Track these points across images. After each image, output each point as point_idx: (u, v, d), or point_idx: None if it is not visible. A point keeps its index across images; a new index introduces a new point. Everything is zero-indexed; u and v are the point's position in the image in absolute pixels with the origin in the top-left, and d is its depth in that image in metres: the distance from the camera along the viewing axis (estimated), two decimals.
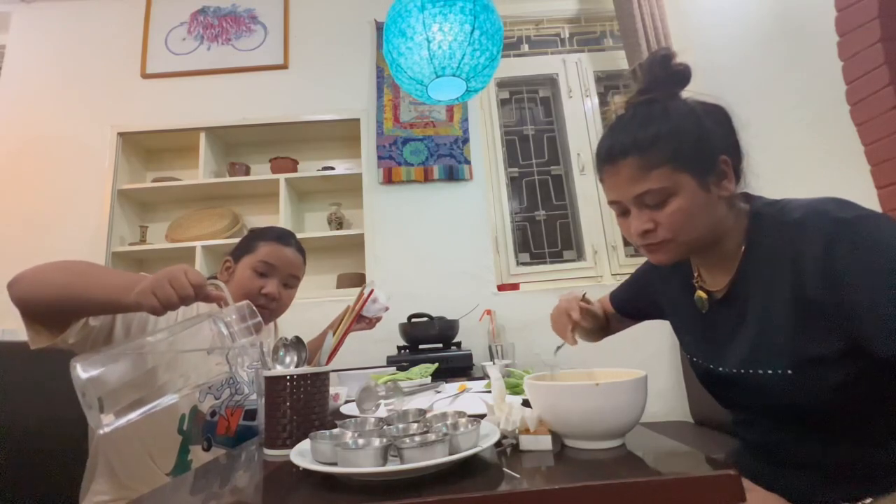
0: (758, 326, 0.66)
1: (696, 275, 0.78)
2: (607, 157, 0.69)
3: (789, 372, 0.62)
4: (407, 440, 0.49)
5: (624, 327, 1.05)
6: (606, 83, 2.65)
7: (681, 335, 0.85)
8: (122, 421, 0.61)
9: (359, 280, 2.24)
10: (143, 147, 2.47)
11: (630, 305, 0.99)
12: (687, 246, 0.68)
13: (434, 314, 1.87)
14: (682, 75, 0.69)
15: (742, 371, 0.68)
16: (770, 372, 0.64)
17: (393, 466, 0.45)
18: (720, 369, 0.72)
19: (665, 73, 0.69)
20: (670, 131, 0.64)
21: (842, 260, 0.57)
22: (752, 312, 0.67)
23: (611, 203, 0.71)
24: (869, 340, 0.56)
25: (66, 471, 0.98)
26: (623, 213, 0.70)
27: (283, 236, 1.12)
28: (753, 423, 0.75)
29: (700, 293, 0.75)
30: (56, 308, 0.76)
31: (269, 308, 1.06)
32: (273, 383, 0.65)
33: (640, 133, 0.65)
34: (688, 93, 0.71)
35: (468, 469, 0.49)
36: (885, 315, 0.54)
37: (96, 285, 0.74)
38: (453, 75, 1.33)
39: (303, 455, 0.52)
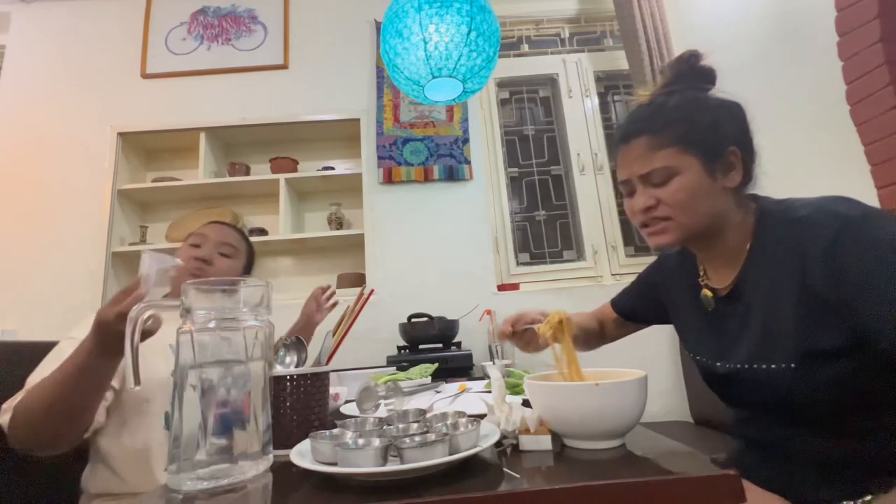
0: (763, 321, 0.67)
1: (701, 273, 0.78)
2: (622, 138, 0.72)
3: (793, 366, 0.63)
4: (407, 440, 0.49)
5: (623, 334, 1.04)
6: (606, 83, 2.65)
7: (685, 335, 0.85)
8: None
9: (359, 280, 2.24)
10: (143, 147, 2.47)
11: (636, 309, 0.99)
12: (686, 229, 0.69)
13: (434, 314, 1.87)
14: (707, 74, 0.73)
15: (746, 366, 0.68)
16: (773, 366, 0.64)
17: (393, 466, 0.45)
18: (726, 366, 0.72)
19: (690, 70, 0.72)
20: (682, 116, 0.68)
21: (847, 255, 0.58)
22: (757, 308, 0.68)
23: (621, 183, 0.75)
24: (873, 335, 0.57)
25: (66, 470, 0.98)
26: (631, 193, 0.73)
27: (214, 221, 1.23)
28: (756, 420, 0.75)
29: (706, 291, 0.76)
30: (65, 420, 0.77)
31: (202, 270, 1.09)
32: (273, 383, 0.65)
33: (654, 117, 0.69)
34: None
35: (468, 469, 0.49)
36: (889, 310, 0.55)
37: (65, 375, 0.75)
38: (450, 76, 1.33)
39: (303, 455, 0.52)
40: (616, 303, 1.02)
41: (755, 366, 0.67)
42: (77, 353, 0.75)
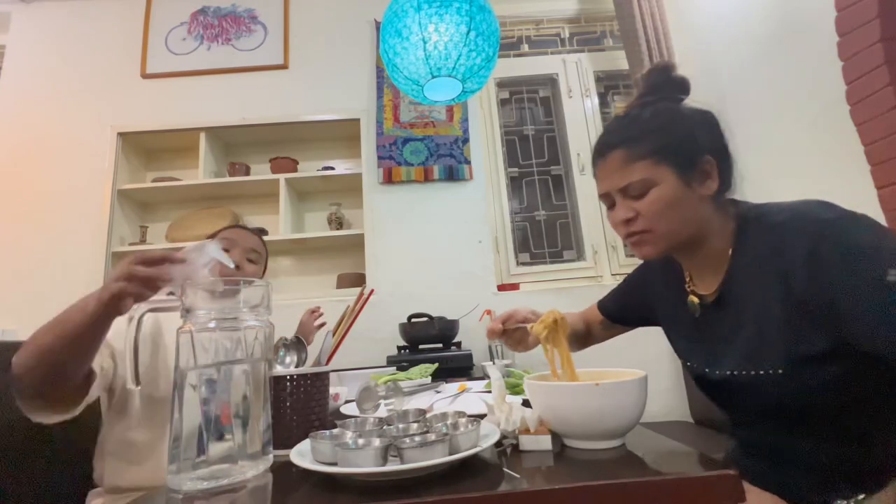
0: (749, 328, 0.67)
1: (687, 279, 0.79)
2: (599, 151, 0.74)
3: (780, 371, 0.63)
4: (407, 440, 0.49)
5: (609, 336, 1.04)
6: (606, 83, 2.65)
7: (674, 341, 0.86)
8: None
9: (359, 280, 2.24)
10: (143, 147, 2.47)
11: (622, 312, 0.99)
12: (667, 239, 0.70)
13: (434, 314, 1.87)
14: (681, 84, 0.74)
15: (735, 373, 0.69)
16: (762, 372, 0.65)
17: (393, 466, 0.45)
18: (715, 372, 0.72)
19: (663, 81, 0.74)
20: (655, 128, 0.69)
21: (825, 259, 0.58)
22: (743, 314, 0.68)
23: (601, 196, 0.76)
24: (855, 338, 0.57)
25: (67, 469, 0.98)
26: (611, 206, 0.74)
27: (237, 225, 1.26)
28: (749, 424, 0.76)
29: (692, 297, 0.76)
30: (61, 361, 0.73)
31: (233, 275, 1.09)
32: (273, 383, 0.65)
33: (629, 130, 0.71)
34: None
35: (468, 469, 0.49)
36: (867, 312, 0.55)
37: (69, 318, 0.71)
38: (449, 76, 1.32)
39: (303, 455, 0.52)
40: (603, 305, 1.02)
41: (744, 372, 0.67)
42: (84, 297, 0.72)
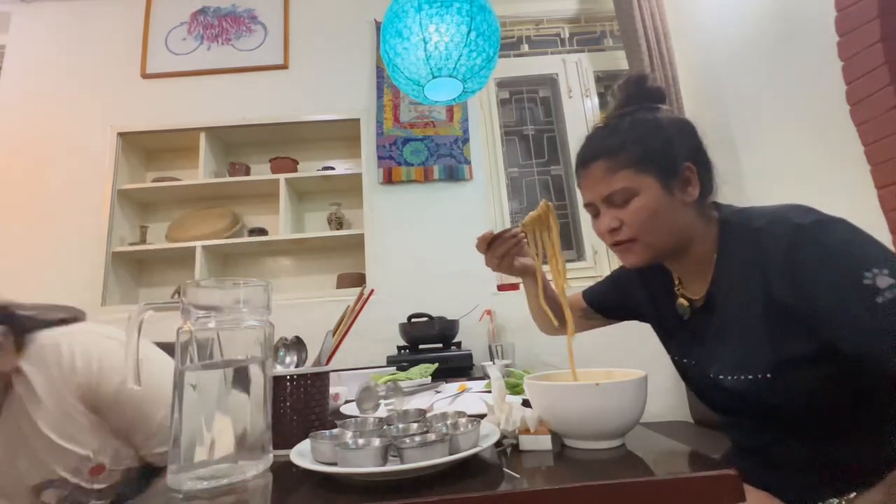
0: (735, 333, 0.68)
1: (676, 283, 0.79)
2: (581, 162, 0.75)
3: (768, 375, 0.63)
4: (407, 440, 0.49)
5: (587, 327, 1.03)
6: (606, 83, 2.65)
7: (665, 340, 0.86)
8: None
9: (359, 280, 2.24)
10: (143, 147, 2.47)
11: (606, 304, 0.98)
12: (653, 247, 0.71)
13: (434, 314, 1.87)
14: (656, 94, 0.75)
15: (722, 377, 0.69)
16: (751, 377, 0.65)
17: (393, 466, 0.45)
18: (707, 375, 0.73)
19: (639, 92, 0.75)
20: (635, 138, 0.70)
21: (803, 264, 0.59)
22: (730, 319, 0.69)
23: (586, 206, 0.77)
24: (835, 340, 0.58)
25: None
26: (596, 215, 0.75)
27: None
28: (739, 425, 0.76)
29: (682, 301, 0.77)
30: None
31: None
32: (273, 383, 0.65)
33: (609, 140, 0.72)
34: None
35: (468, 469, 0.49)
36: (846, 315, 0.56)
37: None
38: (450, 76, 1.33)
39: (303, 455, 0.52)
40: (588, 293, 1.01)
41: (732, 377, 0.68)
42: None
